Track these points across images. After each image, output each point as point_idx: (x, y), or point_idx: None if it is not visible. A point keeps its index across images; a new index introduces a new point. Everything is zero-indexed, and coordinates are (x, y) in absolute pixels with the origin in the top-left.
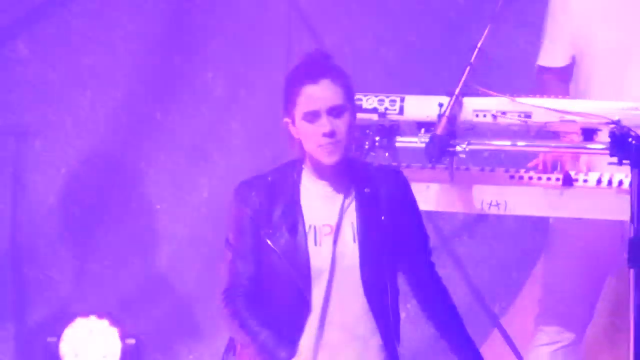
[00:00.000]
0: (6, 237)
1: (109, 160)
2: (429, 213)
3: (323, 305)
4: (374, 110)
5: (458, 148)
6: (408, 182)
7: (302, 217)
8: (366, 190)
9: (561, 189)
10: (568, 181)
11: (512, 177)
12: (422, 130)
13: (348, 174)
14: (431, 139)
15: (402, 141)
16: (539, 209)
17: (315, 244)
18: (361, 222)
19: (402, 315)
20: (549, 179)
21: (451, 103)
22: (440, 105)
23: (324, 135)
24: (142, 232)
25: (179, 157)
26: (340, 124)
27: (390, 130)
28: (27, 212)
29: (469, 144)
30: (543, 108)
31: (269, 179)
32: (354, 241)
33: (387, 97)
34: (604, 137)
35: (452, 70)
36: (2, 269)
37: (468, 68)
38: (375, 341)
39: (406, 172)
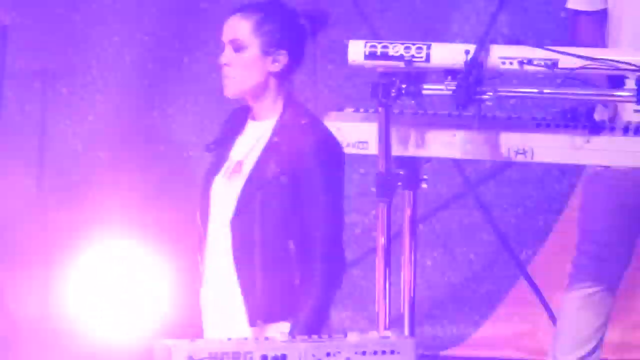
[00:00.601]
0: (33, 183)
1: (135, 106)
2: (455, 159)
3: (208, 242)
4: (400, 57)
5: (485, 96)
6: (323, 151)
7: (230, 151)
8: (275, 139)
9: (588, 136)
10: (595, 129)
11: (538, 124)
12: (449, 77)
13: (274, 118)
14: (458, 86)
15: (428, 88)
16: (565, 157)
17: (223, 177)
18: (255, 171)
19: (428, 262)
20: (575, 126)
21: (478, 50)
22: (467, 52)
23: (221, 66)
24: (170, 178)
25: (206, 102)
26: (237, 59)
27: (416, 77)
28: (54, 158)
29: (495, 91)
30: (570, 55)
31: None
32: (229, 177)
33: (414, 44)
34: (631, 84)
35: (479, 16)
36: (30, 214)
37: (495, 14)
38: (237, 297)
39: (433, 120)
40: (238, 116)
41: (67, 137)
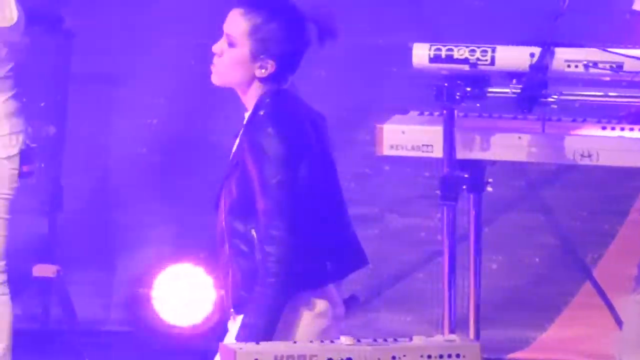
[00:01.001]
0: (98, 186)
1: (198, 109)
2: (519, 162)
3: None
4: (465, 60)
5: (550, 98)
6: (264, 142)
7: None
8: (241, 132)
9: None
10: None
11: (604, 127)
12: (514, 80)
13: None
14: (523, 89)
15: (493, 91)
16: (630, 160)
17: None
18: (229, 162)
19: (494, 266)
20: None
21: (543, 53)
22: (532, 55)
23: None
24: None
25: None
26: (228, 53)
27: (481, 80)
28: (118, 161)
29: (560, 94)
30: (635, 58)
31: None
32: None
33: (479, 47)
34: None
35: (543, 19)
36: (94, 216)
37: (559, 15)
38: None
39: (497, 123)
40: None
41: (131, 141)
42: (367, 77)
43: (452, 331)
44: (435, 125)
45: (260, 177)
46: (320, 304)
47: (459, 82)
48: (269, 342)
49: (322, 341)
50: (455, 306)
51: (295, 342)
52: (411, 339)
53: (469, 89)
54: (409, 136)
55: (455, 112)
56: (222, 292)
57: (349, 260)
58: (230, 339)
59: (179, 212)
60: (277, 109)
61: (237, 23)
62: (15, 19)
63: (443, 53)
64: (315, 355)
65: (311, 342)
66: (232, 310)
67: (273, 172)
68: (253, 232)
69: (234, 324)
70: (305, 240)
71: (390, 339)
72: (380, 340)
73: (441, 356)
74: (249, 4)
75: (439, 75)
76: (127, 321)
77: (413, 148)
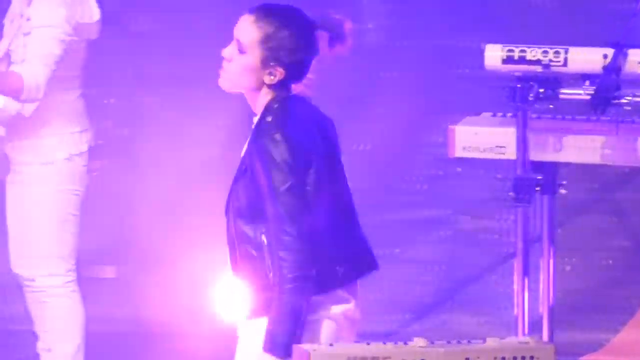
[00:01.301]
0: (171, 187)
1: None
2: (592, 164)
3: None
4: (538, 62)
5: (623, 100)
6: (271, 148)
7: None
8: (251, 137)
9: None
10: None
11: None
12: (587, 82)
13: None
14: (596, 90)
15: (566, 93)
16: None
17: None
18: (238, 167)
19: (567, 268)
20: None
21: (616, 54)
22: (605, 56)
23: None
24: None
25: (343, 106)
26: (237, 59)
27: (554, 81)
28: (191, 162)
29: (634, 95)
30: None
31: None
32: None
33: (551, 48)
34: None
35: (617, 20)
36: (168, 218)
37: (633, 16)
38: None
39: (570, 125)
40: None
41: (205, 142)
42: (439, 79)
43: (526, 333)
44: (508, 127)
45: (269, 183)
46: (334, 308)
47: (531, 83)
48: (343, 343)
49: (395, 343)
50: (528, 308)
51: (368, 344)
52: (484, 341)
53: (541, 90)
54: (481, 138)
55: (528, 113)
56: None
57: (359, 264)
58: (243, 344)
59: None
60: (285, 115)
61: (248, 31)
62: (96, 16)
63: (516, 54)
64: (389, 357)
65: (331, 345)
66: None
67: (282, 178)
68: (263, 237)
69: (245, 329)
70: (315, 245)
71: (463, 341)
72: (453, 342)
73: (515, 358)
74: (262, 13)
75: (512, 76)
76: (192, 322)
77: (485, 150)
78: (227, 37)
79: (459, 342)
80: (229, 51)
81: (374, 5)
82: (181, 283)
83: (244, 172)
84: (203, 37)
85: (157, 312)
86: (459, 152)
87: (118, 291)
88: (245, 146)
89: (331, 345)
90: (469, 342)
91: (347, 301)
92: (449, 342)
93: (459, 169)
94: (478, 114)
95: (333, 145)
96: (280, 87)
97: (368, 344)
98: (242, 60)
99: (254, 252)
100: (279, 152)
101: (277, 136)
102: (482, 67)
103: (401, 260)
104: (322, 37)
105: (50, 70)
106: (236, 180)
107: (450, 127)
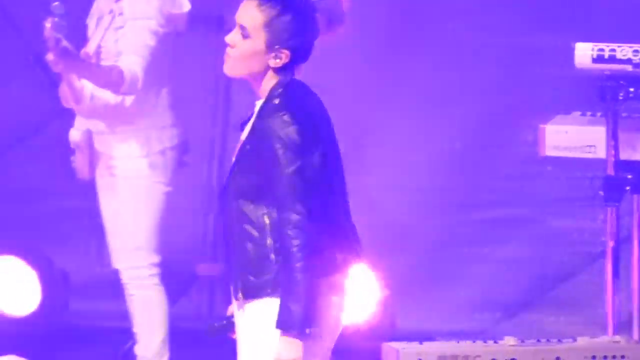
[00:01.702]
0: None
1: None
2: None
3: None
4: (628, 61)
5: None
6: (282, 130)
7: None
8: (254, 120)
9: None
10: None
11: None
12: None
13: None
14: None
15: None
16: None
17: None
18: (239, 150)
19: None
20: None
21: None
22: None
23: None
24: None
25: (424, 107)
26: (241, 44)
27: None
28: None
29: None
30: None
31: None
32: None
33: None
34: None
35: None
36: None
37: None
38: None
39: None
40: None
41: None
42: (530, 77)
43: (616, 332)
44: (598, 126)
45: (278, 163)
46: (333, 296)
47: (621, 82)
48: (432, 342)
49: (484, 341)
50: (619, 307)
51: (458, 343)
52: (575, 340)
53: (632, 89)
54: (571, 137)
55: (618, 112)
56: (387, 291)
57: (353, 253)
58: (241, 329)
59: None
60: (292, 97)
61: (252, 15)
62: (187, 7)
63: (606, 53)
64: (479, 356)
65: (474, 342)
66: (239, 296)
67: (292, 158)
68: (265, 218)
69: (241, 313)
70: (319, 227)
71: (554, 340)
72: (543, 341)
73: (605, 357)
74: None
75: (602, 75)
76: None
77: (576, 149)
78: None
79: (549, 340)
80: (232, 37)
81: (466, 3)
82: None
83: (248, 152)
84: None
85: None
86: (549, 151)
87: (216, 289)
88: (248, 127)
89: (420, 343)
90: (559, 341)
91: (343, 290)
92: (539, 341)
93: (549, 168)
94: (568, 113)
95: (333, 132)
96: (285, 70)
97: (458, 342)
98: (246, 45)
99: (254, 233)
100: (288, 132)
101: (286, 117)
102: (572, 65)
103: (491, 259)
104: (320, 19)
105: (146, 61)
106: (238, 161)
107: (541, 126)
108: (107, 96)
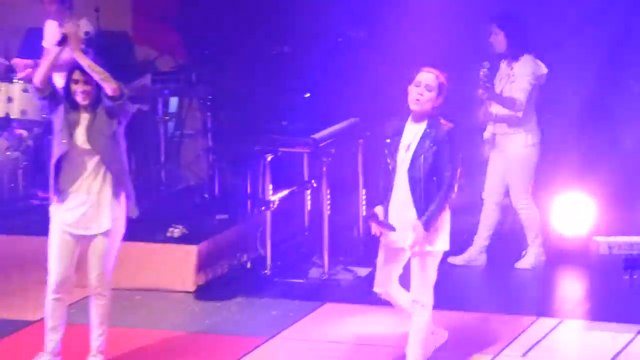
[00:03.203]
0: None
1: None
2: None
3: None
4: None
5: None
6: (450, 137)
7: (401, 137)
8: (427, 130)
9: None
10: None
11: None
12: None
13: (425, 122)
14: None
15: None
16: None
17: (401, 150)
18: (418, 146)
19: None
20: None
21: None
22: None
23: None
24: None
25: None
26: (425, 94)
27: None
28: None
29: None
30: None
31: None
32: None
33: None
34: None
35: None
36: None
37: None
38: (410, 208)
39: None
40: (397, 123)
41: None
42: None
43: None
44: None
45: (450, 155)
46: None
47: None
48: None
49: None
50: None
51: None
52: None
53: None
54: None
55: None
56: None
57: None
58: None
59: None
60: (444, 122)
61: (430, 78)
62: None
63: None
64: None
65: None
66: (422, 217)
67: (455, 153)
68: (434, 179)
69: (413, 232)
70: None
71: None
72: None
73: None
74: (437, 73)
75: None
76: None
77: None
78: None
79: None
80: (420, 92)
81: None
82: None
83: (430, 148)
84: None
85: None
86: None
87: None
88: (421, 133)
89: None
90: None
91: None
92: None
93: None
94: None
95: None
96: (439, 107)
97: None
98: (427, 95)
99: (433, 188)
100: (455, 143)
101: (453, 135)
102: None
103: None
104: None
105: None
106: (421, 153)
107: None
108: (503, 112)
